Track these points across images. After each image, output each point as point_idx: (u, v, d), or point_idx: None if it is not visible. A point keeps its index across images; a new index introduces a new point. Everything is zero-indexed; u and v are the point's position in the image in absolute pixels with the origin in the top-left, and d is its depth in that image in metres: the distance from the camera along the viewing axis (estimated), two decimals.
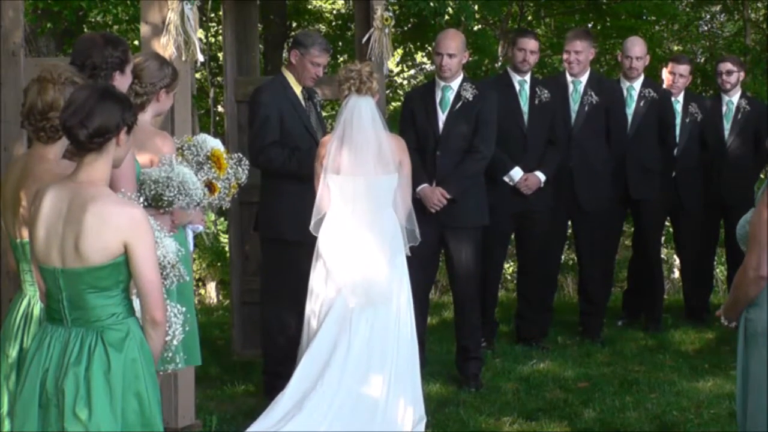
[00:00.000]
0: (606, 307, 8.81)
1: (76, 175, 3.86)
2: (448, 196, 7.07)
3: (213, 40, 14.97)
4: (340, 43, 14.73)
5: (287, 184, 6.75)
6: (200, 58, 5.93)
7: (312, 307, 6.23)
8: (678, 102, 8.99)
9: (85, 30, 12.55)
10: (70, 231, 3.80)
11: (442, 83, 7.28)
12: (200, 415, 6.37)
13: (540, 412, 6.65)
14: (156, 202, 5.08)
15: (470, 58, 11.84)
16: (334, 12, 16.45)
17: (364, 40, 7.21)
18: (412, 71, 18.11)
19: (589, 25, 15.48)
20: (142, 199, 4.71)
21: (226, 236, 12.13)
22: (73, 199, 3.81)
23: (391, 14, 7.23)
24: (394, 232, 6.23)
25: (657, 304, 8.96)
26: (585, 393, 7.07)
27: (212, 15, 13.90)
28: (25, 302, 4.46)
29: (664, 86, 8.96)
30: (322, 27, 15.73)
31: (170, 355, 4.53)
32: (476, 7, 12.91)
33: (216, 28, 14.67)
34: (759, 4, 15.47)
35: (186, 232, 5.44)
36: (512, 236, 8.45)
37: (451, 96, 7.25)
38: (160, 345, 3.95)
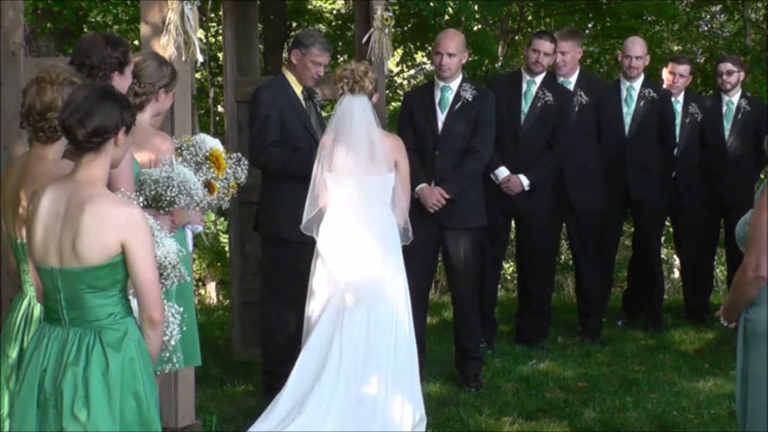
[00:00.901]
0: (606, 307, 8.82)
1: (74, 175, 3.86)
2: (447, 196, 7.06)
3: (213, 40, 14.95)
4: (340, 43, 14.70)
5: (287, 184, 6.75)
6: (200, 58, 5.92)
7: (312, 307, 6.24)
8: (678, 102, 8.99)
9: (85, 30, 12.53)
10: (67, 231, 3.79)
11: (442, 83, 7.27)
12: (200, 415, 6.36)
13: (540, 412, 6.65)
14: (156, 202, 5.08)
15: (470, 58, 11.84)
16: (334, 12, 16.43)
17: (364, 40, 7.21)
18: (412, 71, 18.09)
19: (589, 25, 15.49)
20: (141, 199, 4.71)
21: (226, 236, 12.12)
22: (71, 198, 3.81)
23: (391, 14, 7.23)
24: (389, 231, 6.23)
25: (657, 304, 8.96)
26: (585, 393, 7.07)
27: (212, 15, 13.88)
28: (25, 303, 4.45)
29: (664, 86, 8.95)
30: (322, 27, 15.71)
31: (168, 355, 4.54)
32: (476, 7, 12.89)
33: (216, 28, 14.66)
34: (759, 4, 15.45)
35: (185, 232, 5.44)
36: (512, 237, 8.44)
37: (450, 96, 7.25)
38: (158, 345, 3.95)
